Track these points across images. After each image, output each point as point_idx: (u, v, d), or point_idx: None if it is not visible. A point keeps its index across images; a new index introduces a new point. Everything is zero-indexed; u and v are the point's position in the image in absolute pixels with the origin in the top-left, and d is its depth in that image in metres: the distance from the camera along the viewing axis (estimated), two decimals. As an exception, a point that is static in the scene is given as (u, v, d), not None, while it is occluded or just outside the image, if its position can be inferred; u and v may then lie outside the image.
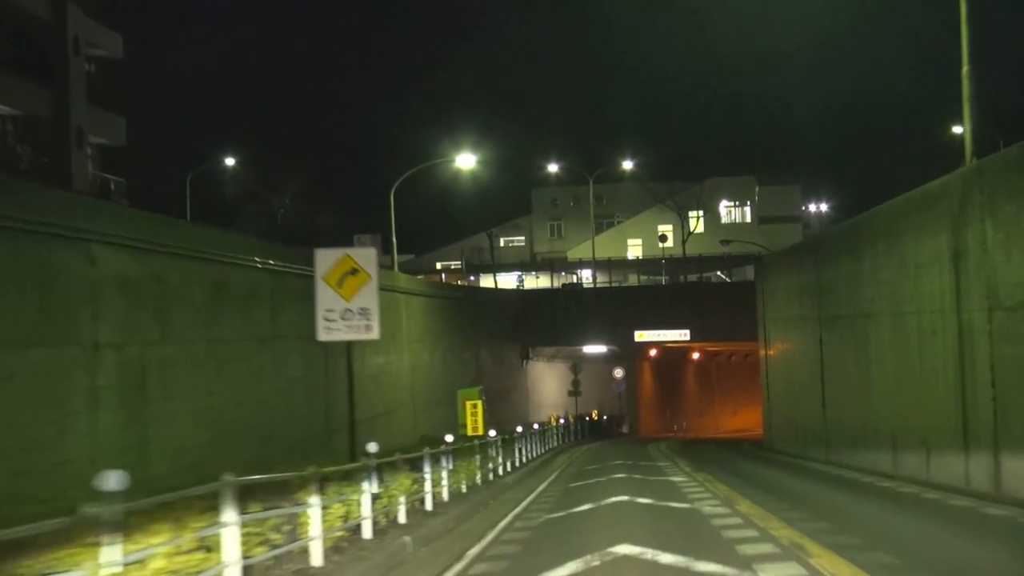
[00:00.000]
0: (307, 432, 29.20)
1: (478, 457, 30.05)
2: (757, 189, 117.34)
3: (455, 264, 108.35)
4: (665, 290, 78.09)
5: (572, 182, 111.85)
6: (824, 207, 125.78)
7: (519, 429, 45.50)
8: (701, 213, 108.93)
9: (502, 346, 72.28)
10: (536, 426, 54.67)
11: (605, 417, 71.57)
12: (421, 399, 50.50)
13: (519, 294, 75.50)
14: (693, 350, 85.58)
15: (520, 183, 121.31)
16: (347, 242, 59.19)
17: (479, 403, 42.15)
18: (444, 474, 23.37)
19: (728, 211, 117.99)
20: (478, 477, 28.96)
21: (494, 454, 33.97)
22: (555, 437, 55.64)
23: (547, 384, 79.64)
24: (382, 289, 21.99)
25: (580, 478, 33.33)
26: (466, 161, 53.97)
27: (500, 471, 34.34)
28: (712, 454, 48.84)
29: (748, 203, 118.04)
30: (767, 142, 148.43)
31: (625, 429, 75.32)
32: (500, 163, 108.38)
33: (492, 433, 38.63)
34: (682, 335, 75.71)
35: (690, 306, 75.47)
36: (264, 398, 26.13)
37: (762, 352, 57.49)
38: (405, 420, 45.65)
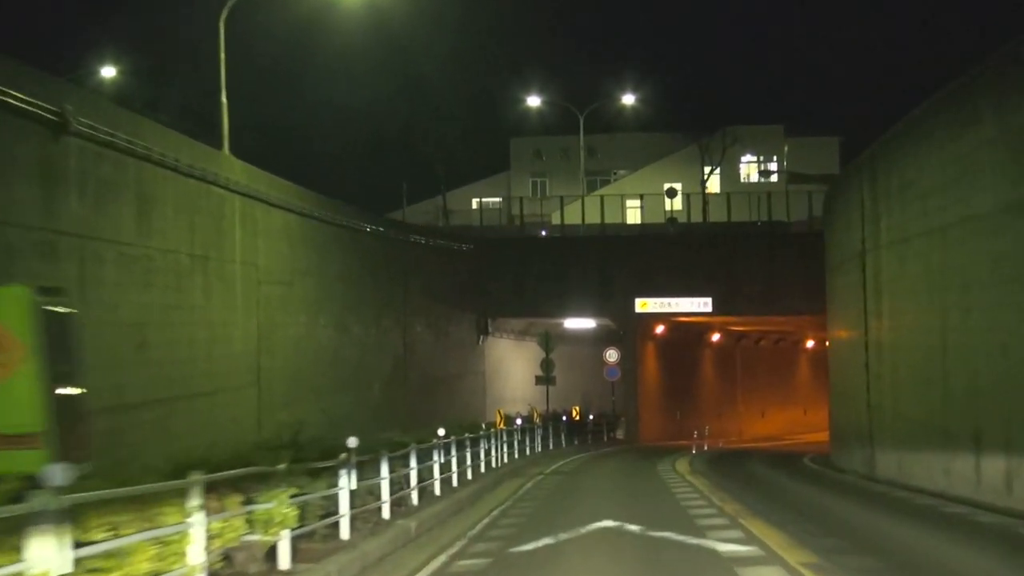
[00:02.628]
0: None
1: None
2: (786, 144, 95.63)
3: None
4: (679, 242, 56.94)
5: (560, 130, 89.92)
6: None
7: (441, 432, 24.43)
8: (717, 169, 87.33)
9: (448, 315, 51.10)
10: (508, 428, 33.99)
11: (592, 417, 50.41)
12: (286, 381, 33.44)
13: (476, 244, 54.38)
14: (712, 329, 64.25)
15: (496, 128, 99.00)
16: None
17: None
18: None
19: (749, 168, 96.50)
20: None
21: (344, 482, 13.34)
22: (506, 447, 34.39)
23: (514, 370, 58.45)
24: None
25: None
26: None
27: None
28: (790, 491, 27.47)
29: (775, 158, 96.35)
30: (800, 85, 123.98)
31: (620, 434, 54.09)
32: (474, 105, 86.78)
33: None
34: (701, 305, 54.49)
35: (714, 264, 54.37)
36: None
37: (841, 332, 36.55)
38: (240, 411, 29.21)
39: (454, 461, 24.07)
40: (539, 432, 39.95)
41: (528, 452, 38.64)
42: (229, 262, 28.22)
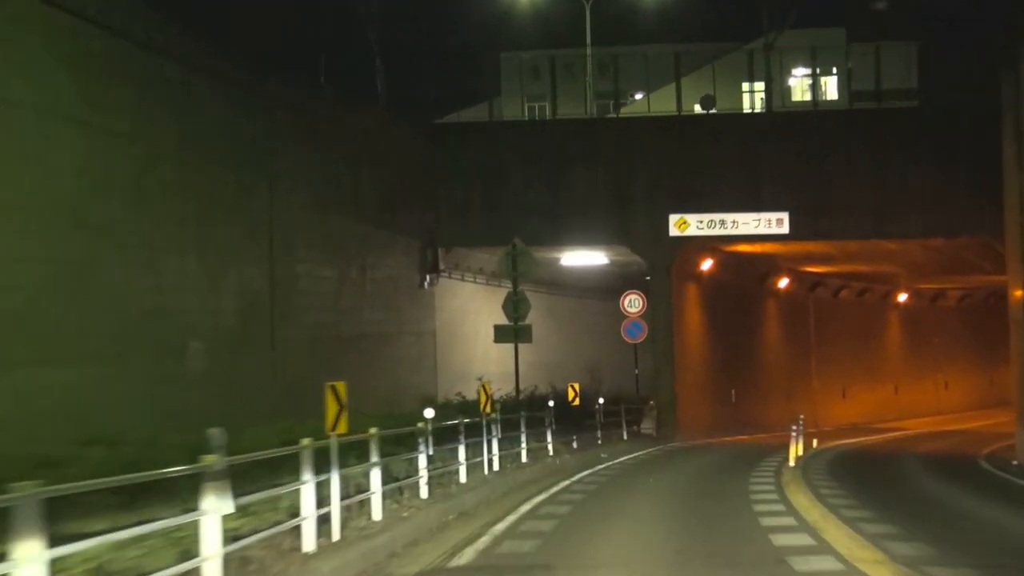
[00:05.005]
0: None
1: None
2: (848, 50, 74.48)
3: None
4: (735, 129, 36.98)
5: (561, 41, 68.66)
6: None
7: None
8: (760, 86, 66.28)
9: (368, 240, 31.68)
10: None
11: (601, 401, 30.35)
12: None
13: (423, 130, 34.74)
14: (778, 269, 44.13)
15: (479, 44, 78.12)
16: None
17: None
18: None
19: (802, 85, 75.68)
20: None
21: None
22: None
23: (483, 328, 38.81)
24: None
25: None
26: None
27: None
28: None
29: (834, 70, 75.22)
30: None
31: (648, 427, 34.39)
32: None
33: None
34: (771, 224, 34.81)
35: (792, 162, 34.86)
36: None
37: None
38: None
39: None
40: (494, 431, 20.25)
41: (486, 470, 19.20)
42: None
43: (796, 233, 34.91)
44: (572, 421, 28.42)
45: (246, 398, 23.49)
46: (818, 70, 75.11)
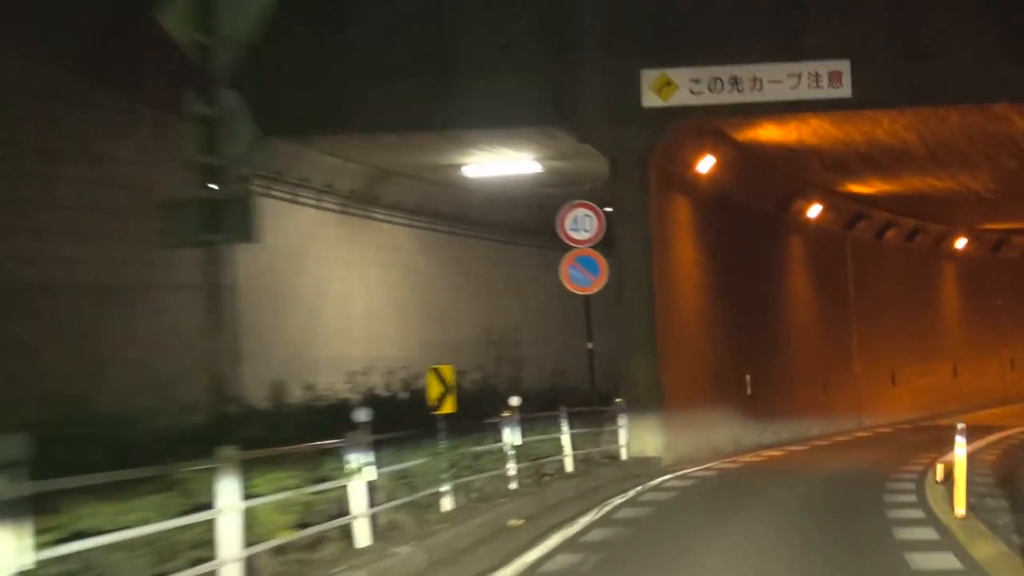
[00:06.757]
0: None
1: None
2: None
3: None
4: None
5: None
6: None
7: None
8: None
9: (74, 103, 15.88)
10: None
11: (517, 402, 14.97)
12: None
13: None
14: (810, 180, 28.61)
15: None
16: None
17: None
18: None
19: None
20: None
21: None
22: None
23: (339, 285, 23.65)
24: None
25: None
26: None
27: None
28: None
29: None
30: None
31: (621, 446, 19.07)
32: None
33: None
34: (819, 81, 19.55)
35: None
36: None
37: None
38: None
39: None
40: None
41: None
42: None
43: (864, 96, 19.67)
44: (460, 435, 13.24)
45: None
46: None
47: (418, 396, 14.68)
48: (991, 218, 37.66)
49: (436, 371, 12.96)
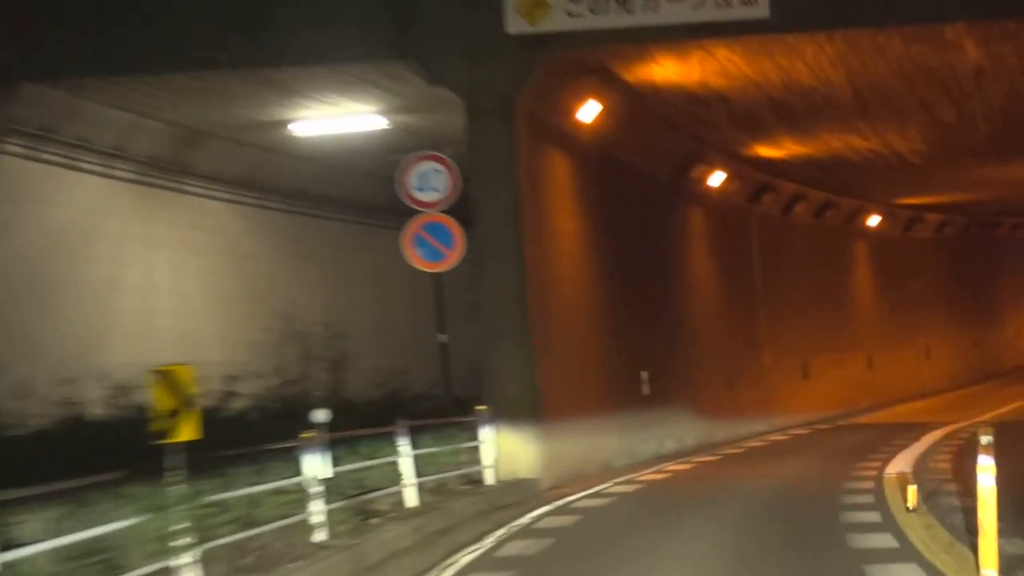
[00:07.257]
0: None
1: None
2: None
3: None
4: None
5: None
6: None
7: None
8: None
9: None
10: None
11: (325, 417, 10.71)
12: None
13: None
14: (712, 142, 24.56)
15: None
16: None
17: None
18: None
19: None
20: None
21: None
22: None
23: (138, 273, 18.98)
24: None
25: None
26: None
27: None
28: None
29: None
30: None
31: (478, 463, 14.78)
32: None
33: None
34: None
35: None
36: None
37: None
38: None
39: None
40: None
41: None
42: None
43: (785, 16, 15.59)
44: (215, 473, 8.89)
45: None
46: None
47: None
48: (908, 191, 34.26)
49: (165, 374, 8.64)
